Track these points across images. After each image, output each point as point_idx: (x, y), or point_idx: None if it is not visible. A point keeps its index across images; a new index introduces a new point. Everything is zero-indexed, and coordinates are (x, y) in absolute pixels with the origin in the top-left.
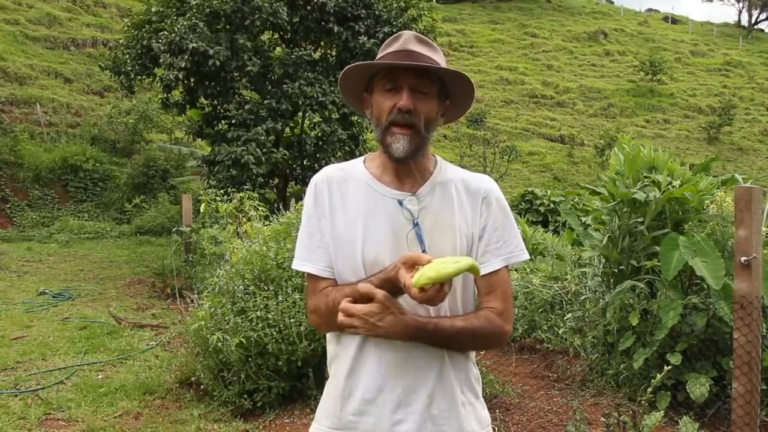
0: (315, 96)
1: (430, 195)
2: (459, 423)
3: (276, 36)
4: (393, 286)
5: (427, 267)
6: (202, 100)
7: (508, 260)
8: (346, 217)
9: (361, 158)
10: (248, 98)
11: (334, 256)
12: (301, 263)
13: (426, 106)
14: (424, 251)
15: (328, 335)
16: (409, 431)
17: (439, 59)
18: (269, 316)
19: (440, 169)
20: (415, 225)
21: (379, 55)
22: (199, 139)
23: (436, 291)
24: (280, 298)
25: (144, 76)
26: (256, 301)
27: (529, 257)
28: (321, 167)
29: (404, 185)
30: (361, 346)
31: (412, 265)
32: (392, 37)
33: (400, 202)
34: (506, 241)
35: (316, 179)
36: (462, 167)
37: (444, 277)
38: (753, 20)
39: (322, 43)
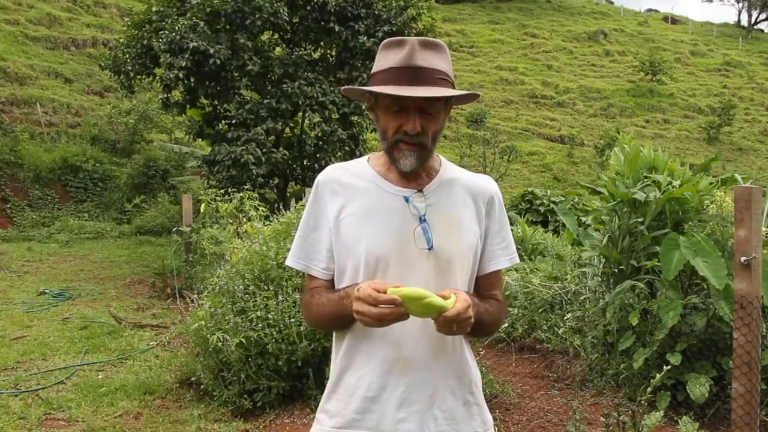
0: (315, 96)
1: (437, 192)
2: (463, 423)
3: (276, 36)
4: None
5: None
6: (203, 99)
7: (512, 261)
8: (350, 215)
9: (365, 157)
10: (248, 98)
11: (336, 254)
12: (295, 261)
13: (433, 125)
14: (431, 248)
15: (334, 333)
16: (412, 430)
17: (446, 64)
18: (269, 316)
19: (445, 168)
20: (423, 221)
21: (382, 65)
22: (199, 139)
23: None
24: (280, 298)
25: (144, 76)
26: (256, 301)
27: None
28: (321, 167)
29: (410, 183)
30: (362, 344)
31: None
32: (395, 41)
33: (407, 199)
34: (510, 243)
35: (319, 179)
36: (462, 167)
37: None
38: (753, 20)
39: (322, 42)
